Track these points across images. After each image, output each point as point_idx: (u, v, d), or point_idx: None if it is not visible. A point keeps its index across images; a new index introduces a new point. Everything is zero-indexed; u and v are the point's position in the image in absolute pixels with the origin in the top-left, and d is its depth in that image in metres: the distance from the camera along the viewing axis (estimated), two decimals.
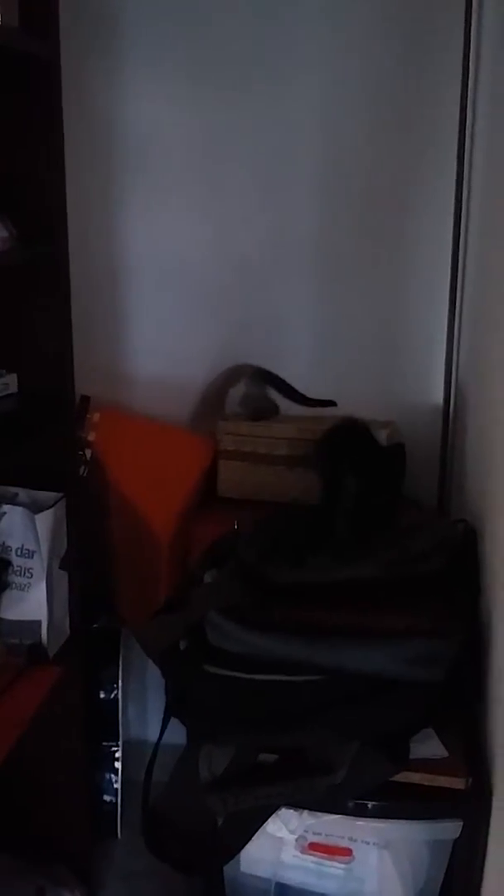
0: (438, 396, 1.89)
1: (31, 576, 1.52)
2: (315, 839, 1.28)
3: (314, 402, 1.90)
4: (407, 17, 1.78)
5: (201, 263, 1.98)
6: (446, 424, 1.87)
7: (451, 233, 1.81)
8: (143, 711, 2.18)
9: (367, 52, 1.82)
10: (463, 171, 1.76)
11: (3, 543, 1.52)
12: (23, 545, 1.52)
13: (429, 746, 1.25)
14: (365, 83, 1.83)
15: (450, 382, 1.86)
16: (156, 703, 2.15)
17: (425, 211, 1.86)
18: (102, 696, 1.91)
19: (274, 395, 1.92)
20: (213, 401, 1.93)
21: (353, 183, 1.90)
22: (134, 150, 1.94)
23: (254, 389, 1.91)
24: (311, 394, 1.91)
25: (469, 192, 1.77)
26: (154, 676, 2.07)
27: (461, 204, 1.78)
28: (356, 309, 1.95)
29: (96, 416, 1.84)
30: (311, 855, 1.29)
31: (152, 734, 2.12)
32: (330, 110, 1.86)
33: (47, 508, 1.50)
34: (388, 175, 1.87)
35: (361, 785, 1.20)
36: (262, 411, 1.92)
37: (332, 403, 1.88)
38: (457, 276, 1.82)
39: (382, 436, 1.76)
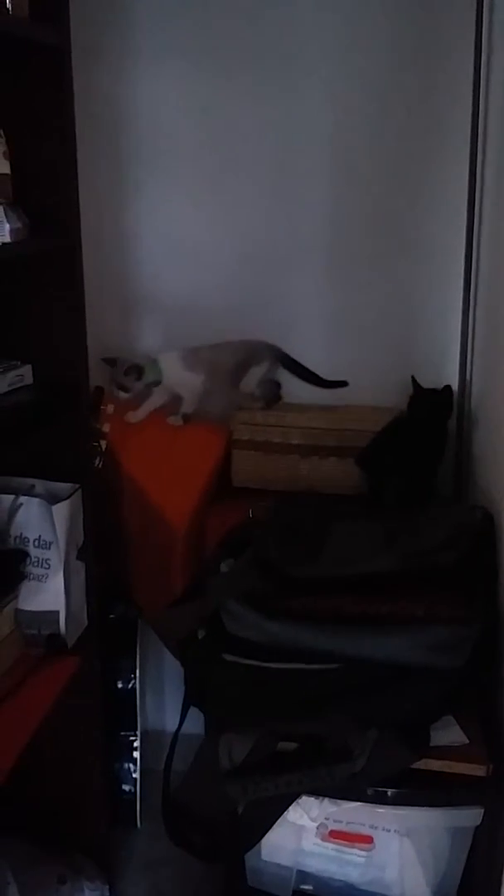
0: (453, 382, 1.88)
1: (49, 566, 1.52)
2: (336, 827, 1.29)
3: (329, 384, 1.93)
4: (418, 8, 1.77)
5: (214, 253, 1.97)
6: (461, 410, 1.86)
7: (465, 218, 1.79)
8: (161, 701, 2.18)
9: (378, 44, 1.80)
10: (476, 156, 1.74)
11: (21, 535, 1.52)
12: (40, 536, 1.52)
13: (449, 733, 1.25)
14: (375, 72, 1.82)
15: (464, 368, 1.85)
16: (173, 693, 2.16)
17: (438, 196, 1.84)
18: (120, 686, 1.92)
19: (285, 378, 1.94)
20: (231, 375, 1.92)
21: (364, 169, 1.88)
22: (145, 140, 1.94)
23: (271, 372, 1.93)
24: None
25: (483, 178, 1.75)
26: (171, 666, 2.08)
27: (475, 189, 1.76)
28: (369, 295, 1.93)
29: (110, 407, 1.84)
30: (332, 842, 1.30)
31: (170, 723, 2.15)
32: (340, 99, 1.85)
33: (64, 499, 1.50)
34: (400, 160, 1.86)
35: (381, 772, 1.20)
36: (272, 395, 1.94)
37: (344, 384, 1.92)
38: (471, 261, 1.80)
39: None
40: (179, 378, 1.89)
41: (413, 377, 1.84)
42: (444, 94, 1.80)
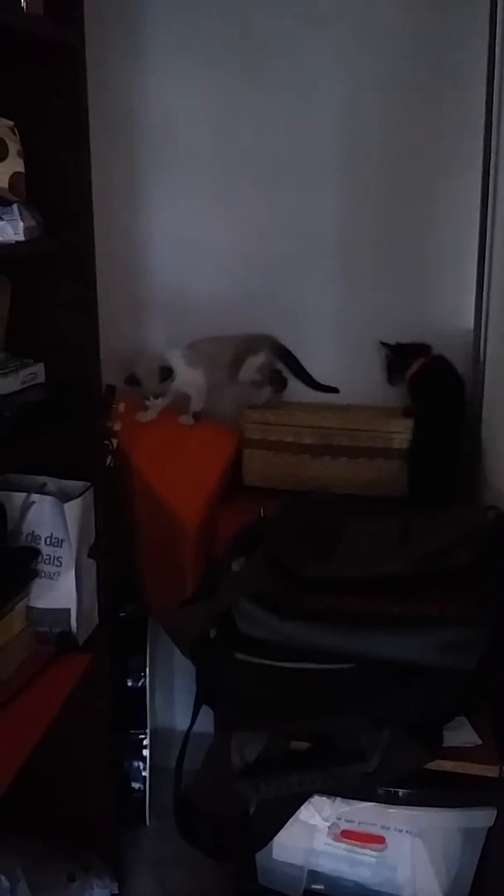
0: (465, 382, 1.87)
1: (61, 564, 1.52)
2: (348, 827, 1.29)
3: (321, 387, 1.93)
4: (430, 12, 1.77)
5: (224, 252, 1.97)
6: (474, 412, 1.85)
7: (478, 219, 1.79)
8: (170, 699, 2.18)
9: (388, 44, 1.80)
10: (490, 158, 1.74)
11: (33, 532, 1.53)
12: (52, 534, 1.52)
13: (461, 734, 1.24)
14: (385, 70, 1.82)
15: (477, 367, 1.84)
16: (183, 692, 2.16)
17: (449, 198, 1.85)
18: (130, 684, 1.92)
19: (285, 372, 1.94)
20: (229, 367, 1.91)
21: (373, 170, 1.89)
22: (157, 139, 1.94)
23: (270, 362, 1.92)
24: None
25: (497, 183, 1.74)
26: (181, 665, 2.08)
27: (487, 191, 1.76)
28: (378, 296, 1.94)
29: (121, 406, 1.83)
30: (343, 842, 1.29)
31: (179, 722, 2.16)
32: (349, 99, 1.86)
33: (75, 497, 1.50)
34: (409, 161, 1.86)
35: (394, 773, 1.20)
36: (277, 382, 1.94)
37: (335, 390, 1.92)
38: (484, 260, 1.80)
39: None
40: (184, 376, 1.89)
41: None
42: (455, 95, 1.79)
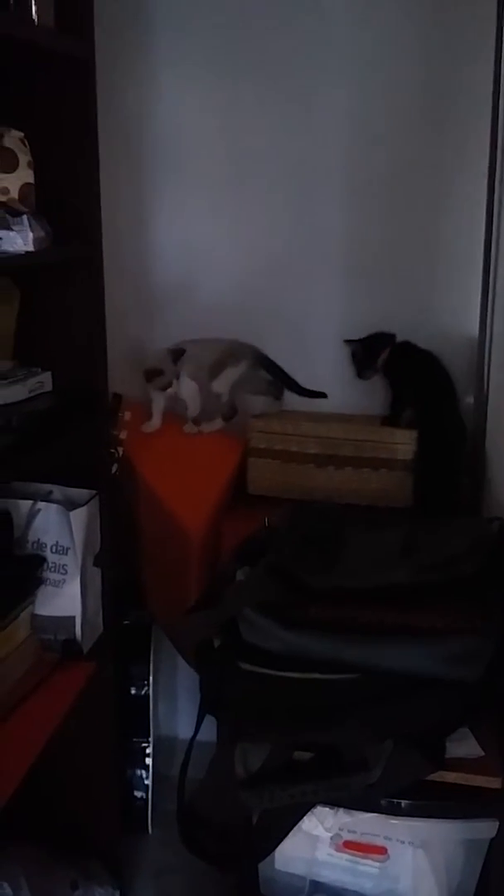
0: (469, 397, 1.88)
1: (66, 572, 1.53)
2: (350, 837, 1.29)
3: (307, 393, 1.94)
4: (439, 24, 1.78)
5: (232, 260, 1.99)
6: (477, 426, 1.86)
7: (483, 229, 1.79)
8: (173, 707, 2.18)
9: (398, 55, 1.82)
10: (495, 171, 1.75)
11: (38, 540, 1.53)
12: (57, 542, 1.53)
13: (465, 746, 1.24)
14: (394, 78, 1.83)
15: (481, 383, 1.85)
16: (186, 700, 2.16)
17: (457, 208, 1.86)
18: (133, 692, 1.93)
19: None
20: (207, 373, 1.92)
21: (382, 179, 1.90)
22: (165, 149, 1.96)
23: (252, 372, 1.93)
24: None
25: (502, 198, 1.76)
26: (184, 673, 2.08)
27: (493, 203, 1.77)
28: (385, 304, 1.94)
29: (128, 415, 1.84)
30: (346, 853, 1.29)
31: (182, 730, 2.16)
32: (359, 108, 1.87)
33: (81, 506, 1.51)
34: (418, 171, 1.87)
35: (397, 784, 1.20)
36: (273, 393, 1.95)
37: (322, 395, 1.94)
38: (489, 274, 1.81)
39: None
40: (183, 384, 1.89)
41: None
42: (461, 106, 1.81)
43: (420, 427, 1.84)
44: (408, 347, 1.90)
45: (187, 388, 1.90)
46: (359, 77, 1.85)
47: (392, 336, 1.91)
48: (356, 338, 1.93)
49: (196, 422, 1.92)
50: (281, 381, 1.94)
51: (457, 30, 1.77)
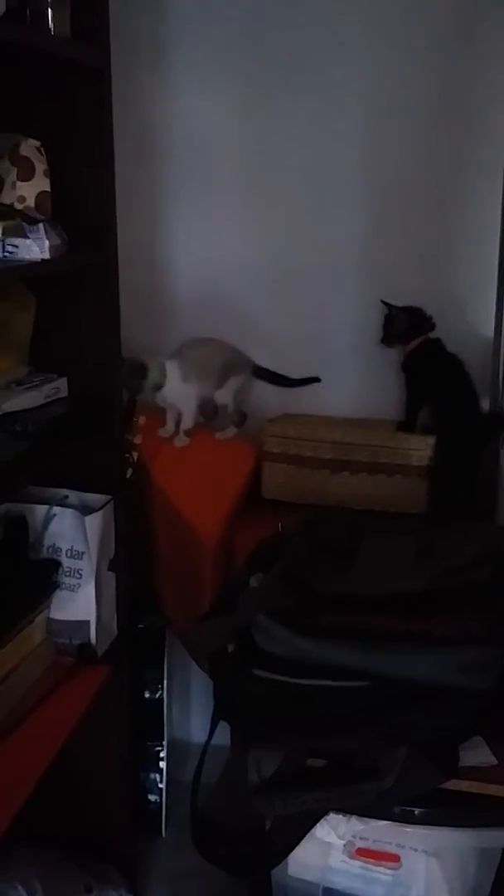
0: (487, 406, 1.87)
1: (81, 577, 1.54)
2: (363, 845, 1.29)
3: (299, 382, 1.93)
4: (456, 32, 1.78)
5: (246, 269, 1.99)
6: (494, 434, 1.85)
7: (498, 240, 1.79)
8: (186, 711, 2.19)
9: (415, 62, 1.82)
10: None
11: (54, 545, 1.54)
12: (72, 547, 1.53)
13: (478, 754, 1.24)
14: (410, 81, 1.83)
15: (496, 392, 1.84)
16: (199, 704, 2.17)
17: (475, 220, 1.85)
18: (147, 696, 1.93)
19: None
20: (215, 378, 1.89)
21: (400, 190, 1.90)
22: (180, 157, 1.96)
23: (245, 389, 1.92)
24: None
25: None
26: (198, 677, 2.09)
27: None
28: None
29: (142, 419, 1.85)
30: (358, 860, 1.29)
31: (196, 734, 2.16)
32: (377, 117, 1.87)
33: (96, 510, 1.52)
34: (436, 183, 1.87)
35: (410, 792, 1.20)
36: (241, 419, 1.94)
37: (316, 380, 1.92)
38: None
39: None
40: (177, 389, 1.85)
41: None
42: (479, 120, 1.81)
43: (439, 432, 1.83)
44: (437, 346, 1.87)
45: (187, 399, 1.86)
46: (374, 81, 1.85)
47: (432, 322, 1.87)
48: (395, 304, 1.89)
49: (188, 433, 1.88)
50: (275, 383, 1.93)
51: (472, 31, 1.77)
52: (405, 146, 1.87)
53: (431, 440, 1.81)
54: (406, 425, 1.88)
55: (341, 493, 1.85)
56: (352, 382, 1.97)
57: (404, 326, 1.87)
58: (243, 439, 1.94)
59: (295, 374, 1.94)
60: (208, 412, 1.94)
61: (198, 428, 1.92)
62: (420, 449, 1.82)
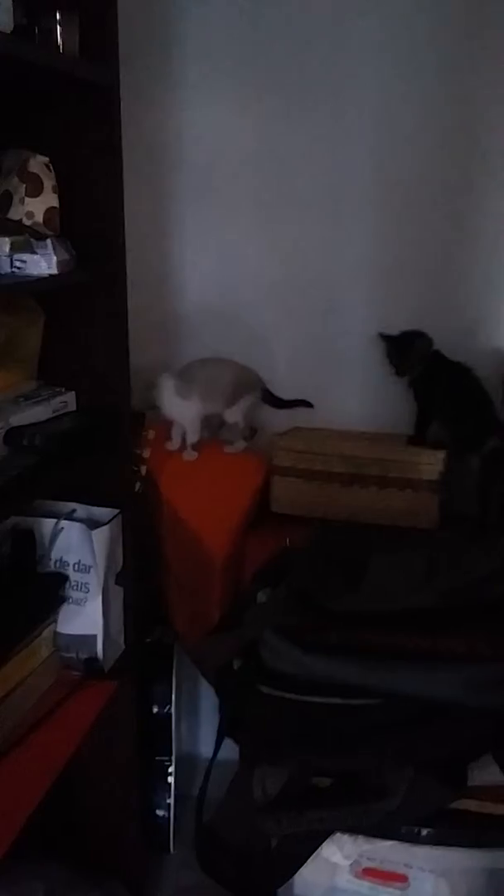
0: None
1: (88, 591, 1.54)
2: (370, 864, 1.27)
3: (289, 404, 1.93)
4: (470, 38, 1.78)
5: (256, 284, 1.99)
6: None
7: None
8: (195, 725, 2.18)
9: (429, 71, 1.81)
10: None
11: (61, 558, 1.55)
12: (80, 560, 1.53)
13: (487, 773, 1.23)
14: (422, 92, 1.82)
15: None
16: (208, 718, 2.16)
17: (485, 217, 1.85)
18: (156, 710, 1.92)
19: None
20: (225, 397, 1.87)
21: (416, 203, 1.88)
22: (189, 172, 1.96)
23: (256, 407, 1.92)
24: None
25: None
26: (206, 691, 2.08)
27: None
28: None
29: (151, 433, 1.85)
30: (365, 880, 1.28)
31: (204, 749, 2.15)
32: (387, 127, 1.86)
33: (104, 524, 1.52)
34: (452, 192, 1.86)
35: (417, 811, 1.19)
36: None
37: (308, 404, 1.93)
38: None
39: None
40: (173, 406, 1.85)
41: None
42: (491, 127, 1.80)
43: (451, 445, 1.82)
44: (438, 358, 1.86)
45: (187, 416, 1.86)
46: (386, 97, 1.84)
47: (429, 340, 1.86)
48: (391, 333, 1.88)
49: (195, 447, 1.87)
50: (272, 404, 1.93)
51: (483, 48, 1.77)
52: (416, 162, 1.86)
53: (442, 454, 1.80)
54: (417, 439, 1.88)
55: (351, 508, 1.84)
56: (362, 396, 1.96)
57: (408, 352, 1.87)
58: (253, 453, 1.94)
59: (306, 389, 1.94)
60: (213, 426, 1.93)
61: (207, 442, 1.91)
62: (431, 463, 1.80)
